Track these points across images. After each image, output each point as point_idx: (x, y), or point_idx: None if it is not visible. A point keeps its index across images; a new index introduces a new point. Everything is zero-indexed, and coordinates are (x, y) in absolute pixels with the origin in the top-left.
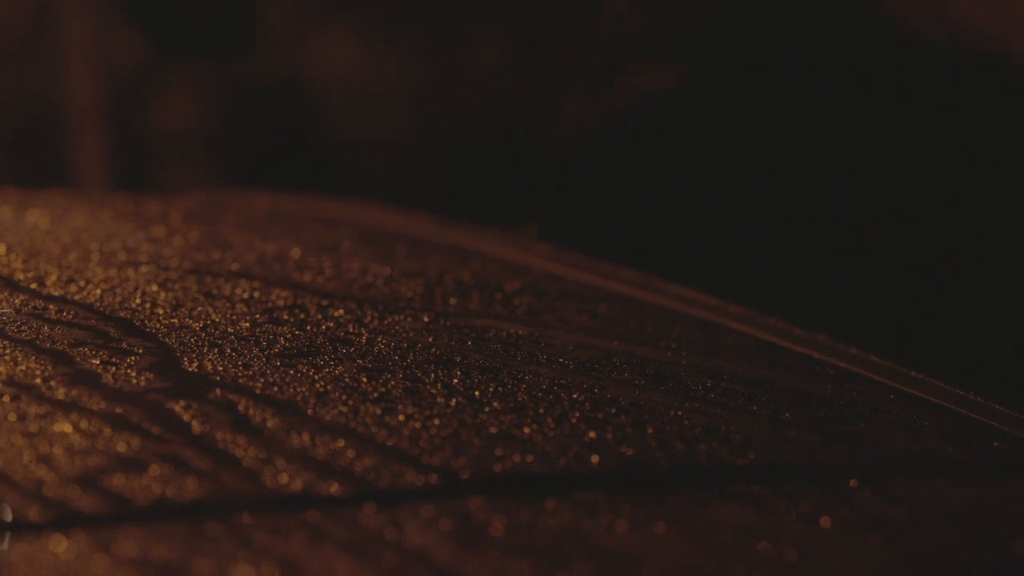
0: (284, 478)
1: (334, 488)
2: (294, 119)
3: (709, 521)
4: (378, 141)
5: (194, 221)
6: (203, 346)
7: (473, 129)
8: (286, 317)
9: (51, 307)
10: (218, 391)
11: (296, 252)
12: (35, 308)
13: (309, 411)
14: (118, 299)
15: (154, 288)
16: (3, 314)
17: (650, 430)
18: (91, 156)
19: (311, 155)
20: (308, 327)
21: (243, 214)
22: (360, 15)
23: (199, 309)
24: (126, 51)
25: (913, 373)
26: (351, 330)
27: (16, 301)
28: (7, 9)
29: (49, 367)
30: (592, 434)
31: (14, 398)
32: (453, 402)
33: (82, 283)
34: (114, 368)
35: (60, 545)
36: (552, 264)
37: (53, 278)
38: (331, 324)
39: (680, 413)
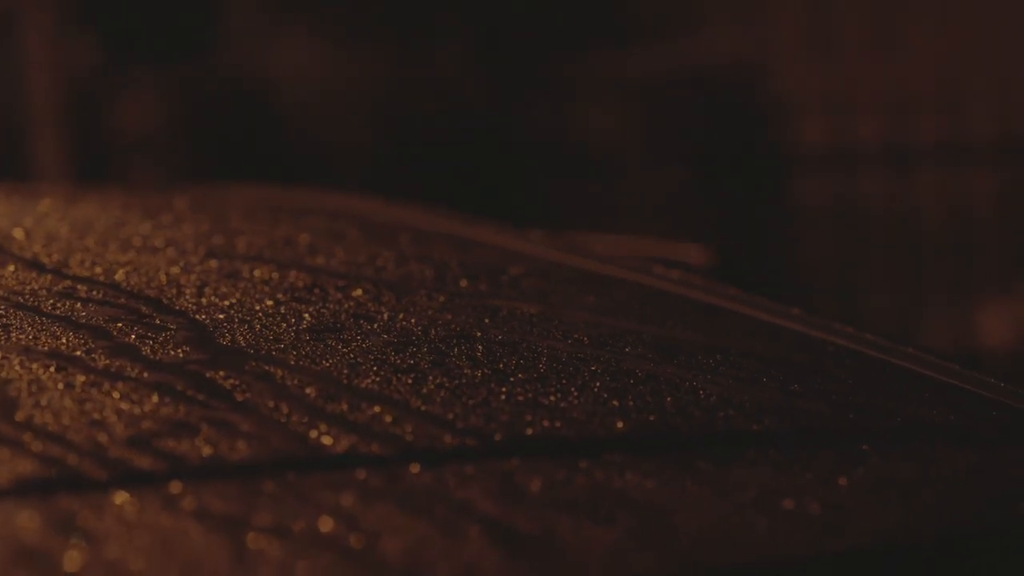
0: (328, 440)
1: (377, 449)
2: (254, 119)
3: (734, 481)
4: (339, 140)
5: (199, 211)
6: (233, 322)
7: (433, 127)
8: (307, 296)
9: (79, 287)
10: (254, 363)
11: (305, 239)
12: (64, 288)
13: (344, 380)
14: (143, 280)
15: (176, 270)
16: (35, 292)
17: (668, 399)
18: (52, 157)
19: (271, 154)
20: (330, 305)
21: (245, 205)
22: (319, 16)
23: (223, 289)
24: (84, 55)
25: (910, 349)
26: (371, 308)
27: (45, 280)
28: None
29: (89, 340)
30: (615, 402)
31: (60, 368)
32: (479, 373)
33: (105, 265)
34: (151, 342)
35: (124, 500)
36: (548, 251)
37: (76, 260)
38: (351, 303)
39: (695, 384)
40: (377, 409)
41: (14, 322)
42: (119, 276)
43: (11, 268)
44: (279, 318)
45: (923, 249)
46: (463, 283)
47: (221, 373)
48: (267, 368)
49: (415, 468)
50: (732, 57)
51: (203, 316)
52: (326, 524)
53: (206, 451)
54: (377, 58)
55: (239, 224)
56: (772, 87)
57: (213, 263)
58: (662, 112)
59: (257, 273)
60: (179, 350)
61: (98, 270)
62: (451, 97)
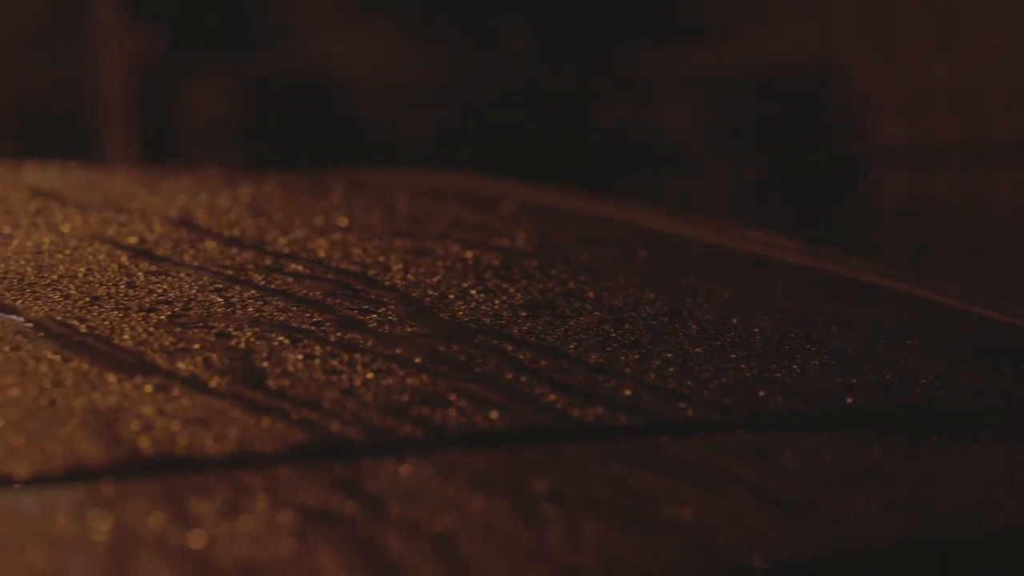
0: (576, 411)
1: (625, 420)
2: (321, 110)
3: (975, 457)
4: (407, 133)
5: (362, 194)
6: (447, 298)
7: (503, 122)
8: (507, 275)
9: (284, 263)
10: (481, 336)
11: (481, 220)
12: (271, 264)
13: (573, 354)
14: (343, 257)
15: (370, 247)
16: (243, 267)
17: (888, 376)
18: (120, 142)
19: (338, 145)
20: (535, 284)
21: (403, 188)
22: (388, 8)
23: (423, 267)
24: (153, 42)
25: None
26: (573, 287)
27: (248, 256)
28: (34, 1)
29: (314, 314)
30: (838, 379)
31: (294, 340)
32: (699, 349)
33: (300, 243)
34: (375, 315)
35: (400, 467)
36: (707, 233)
37: (270, 237)
38: (551, 282)
39: (908, 363)
40: (613, 382)
41: (234, 295)
42: (320, 253)
43: (212, 244)
44: (489, 295)
45: (998, 245)
46: (653, 264)
47: (455, 347)
48: (495, 342)
49: (666, 438)
50: (802, 54)
51: (416, 292)
52: (602, 490)
53: (462, 420)
54: (446, 51)
55: (409, 207)
56: (842, 84)
57: (406, 242)
58: (735, 108)
59: (452, 251)
60: (405, 324)
61: (296, 247)
62: (522, 92)
